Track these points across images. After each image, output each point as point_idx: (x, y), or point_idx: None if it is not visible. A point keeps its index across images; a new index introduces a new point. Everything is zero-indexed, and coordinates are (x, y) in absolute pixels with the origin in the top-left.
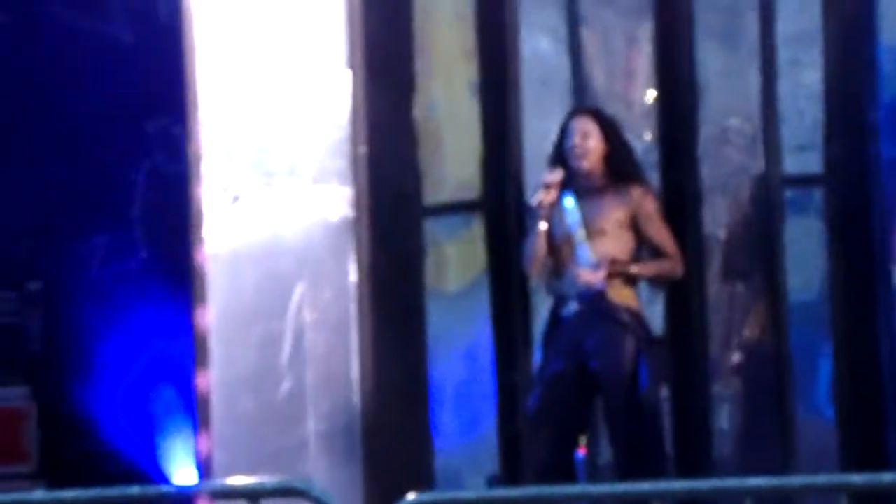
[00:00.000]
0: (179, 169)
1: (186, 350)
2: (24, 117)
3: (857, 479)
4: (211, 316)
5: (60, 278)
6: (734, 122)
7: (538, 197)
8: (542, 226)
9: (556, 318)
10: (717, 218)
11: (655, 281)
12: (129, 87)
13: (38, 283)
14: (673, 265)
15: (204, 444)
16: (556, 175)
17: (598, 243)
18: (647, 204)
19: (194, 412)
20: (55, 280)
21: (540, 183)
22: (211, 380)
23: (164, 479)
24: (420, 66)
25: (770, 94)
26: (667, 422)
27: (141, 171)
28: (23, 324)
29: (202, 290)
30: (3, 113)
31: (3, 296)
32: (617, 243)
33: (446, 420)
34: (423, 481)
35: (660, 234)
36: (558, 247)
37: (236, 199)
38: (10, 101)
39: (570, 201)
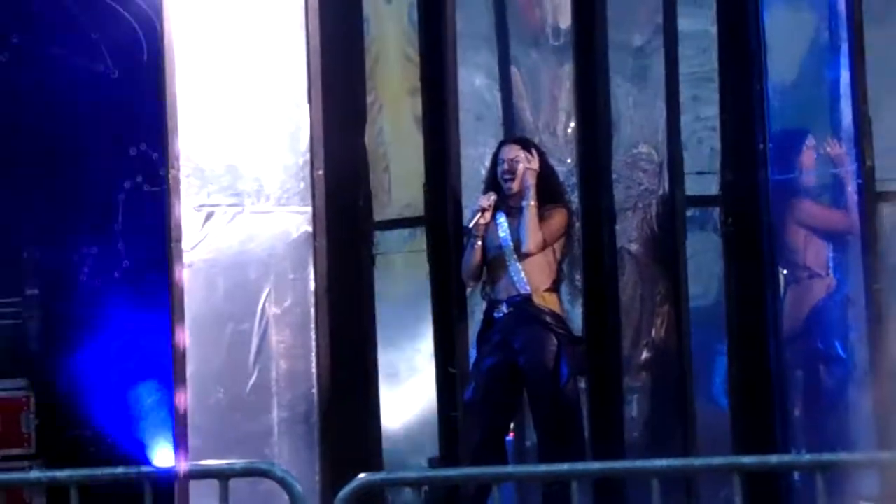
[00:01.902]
0: (158, 189)
1: (165, 348)
2: (24, 143)
3: (747, 460)
4: (187, 318)
5: (56, 284)
6: (643, 149)
7: (474, 219)
8: (478, 243)
9: (489, 320)
10: (629, 233)
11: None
12: (114, 116)
13: (36, 288)
14: (533, 236)
15: (180, 429)
16: (489, 199)
17: (525, 259)
18: (554, 215)
19: (172, 402)
20: (52, 286)
21: (475, 205)
22: (187, 373)
23: (145, 461)
24: (371, 100)
25: (674, 125)
26: (584, 410)
27: (124, 190)
28: (23, 324)
29: (179, 296)
30: (6, 141)
31: (7, 300)
32: (542, 256)
33: (393, 409)
34: (373, 463)
35: (547, 224)
36: (492, 259)
37: (209, 215)
38: (10, 128)
39: (502, 220)
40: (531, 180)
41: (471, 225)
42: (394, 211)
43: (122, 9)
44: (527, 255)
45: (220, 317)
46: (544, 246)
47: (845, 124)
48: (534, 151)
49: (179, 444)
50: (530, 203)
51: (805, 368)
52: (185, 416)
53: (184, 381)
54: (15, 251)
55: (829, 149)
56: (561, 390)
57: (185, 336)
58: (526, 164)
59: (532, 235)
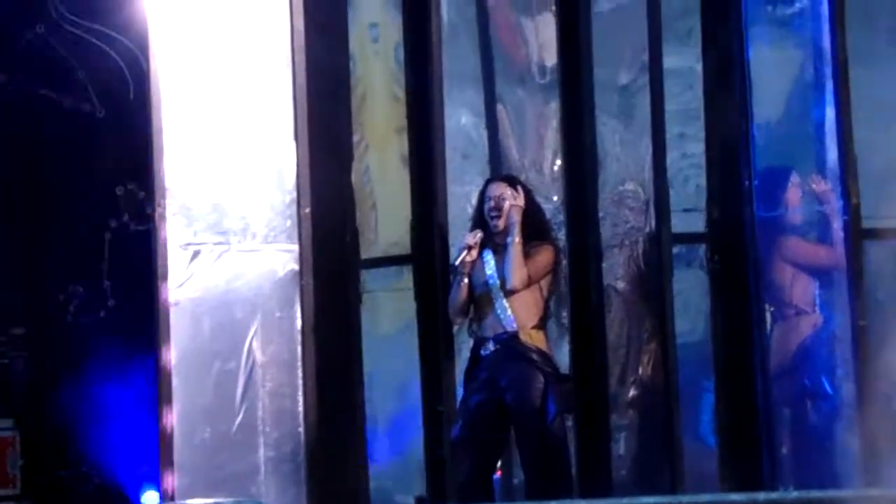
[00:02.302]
0: (145, 228)
1: (152, 387)
2: (9, 182)
3: (735, 497)
4: (173, 356)
5: (41, 324)
6: (630, 187)
7: (461, 257)
8: (465, 281)
9: (476, 358)
10: (616, 270)
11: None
12: (101, 156)
13: (21, 328)
14: (518, 273)
15: (167, 468)
16: (476, 237)
17: (512, 296)
18: (541, 253)
19: (158, 441)
20: (36, 325)
21: (462, 243)
22: (173, 413)
23: (132, 501)
24: (357, 138)
25: (660, 163)
26: (571, 448)
27: (110, 229)
28: (9, 364)
29: (166, 334)
30: None
31: None
32: (529, 294)
33: (380, 447)
34: (360, 501)
35: (532, 261)
36: (478, 297)
37: (196, 254)
38: None
39: (489, 257)
40: (516, 217)
41: (457, 262)
42: (380, 249)
43: (109, 48)
44: (513, 292)
45: (207, 355)
46: (529, 282)
47: (831, 162)
48: (520, 189)
49: (165, 483)
50: (515, 240)
51: (792, 405)
52: (171, 455)
53: (170, 419)
54: (0, 290)
55: (814, 186)
56: (548, 428)
57: (172, 374)
58: (511, 202)
59: (517, 272)
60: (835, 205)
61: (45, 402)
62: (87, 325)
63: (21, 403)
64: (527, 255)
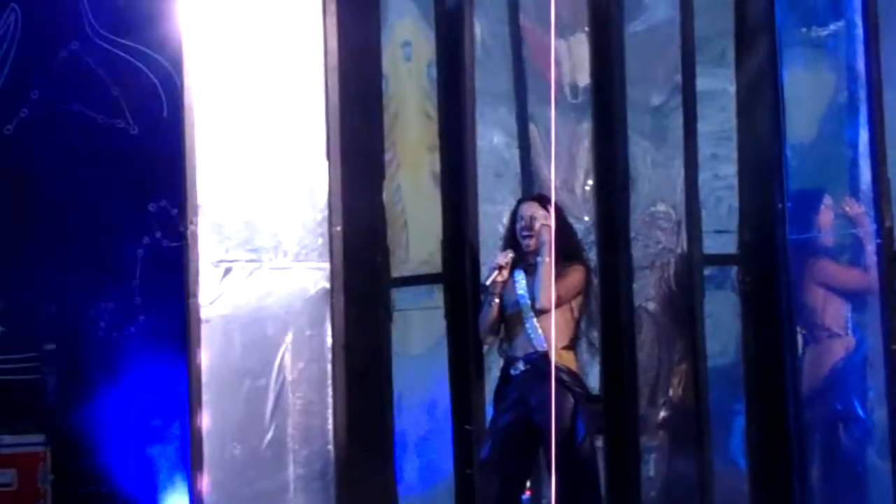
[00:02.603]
0: (177, 245)
1: (182, 403)
2: (43, 198)
3: None
4: (204, 373)
5: (72, 340)
6: (661, 207)
7: (492, 277)
8: (495, 301)
9: (505, 377)
10: (647, 291)
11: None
12: (134, 172)
13: (53, 344)
14: (547, 293)
15: (197, 485)
16: (507, 257)
17: (542, 316)
18: (571, 273)
19: (189, 457)
20: (68, 342)
21: (493, 263)
22: (204, 429)
23: None
24: (389, 157)
25: (692, 184)
26: (601, 469)
27: (142, 246)
28: (41, 380)
29: (197, 351)
30: (27, 196)
31: (25, 356)
32: (559, 314)
33: (409, 466)
34: None
35: (563, 281)
36: (509, 316)
37: (228, 271)
38: (30, 183)
39: (520, 277)
40: (547, 236)
41: (487, 282)
42: (411, 268)
43: (143, 65)
44: (542, 312)
45: (237, 372)
46: (559, 302)
47: (864, 184)
48: (551, 209)
49: (195, 500)
50: (545, 259)
51: (824, 428)
52: (201, 471)
53: (200, 436)
54: (33, 307)
55: (847, 208)
56: (577, 449)
57: (202, 391)
58: (542, 221)
59: (545, 291)
60: (868, 227)
61: (76, 418)
62: (118, 342)
63: (52, 419)
64: (558, 274)
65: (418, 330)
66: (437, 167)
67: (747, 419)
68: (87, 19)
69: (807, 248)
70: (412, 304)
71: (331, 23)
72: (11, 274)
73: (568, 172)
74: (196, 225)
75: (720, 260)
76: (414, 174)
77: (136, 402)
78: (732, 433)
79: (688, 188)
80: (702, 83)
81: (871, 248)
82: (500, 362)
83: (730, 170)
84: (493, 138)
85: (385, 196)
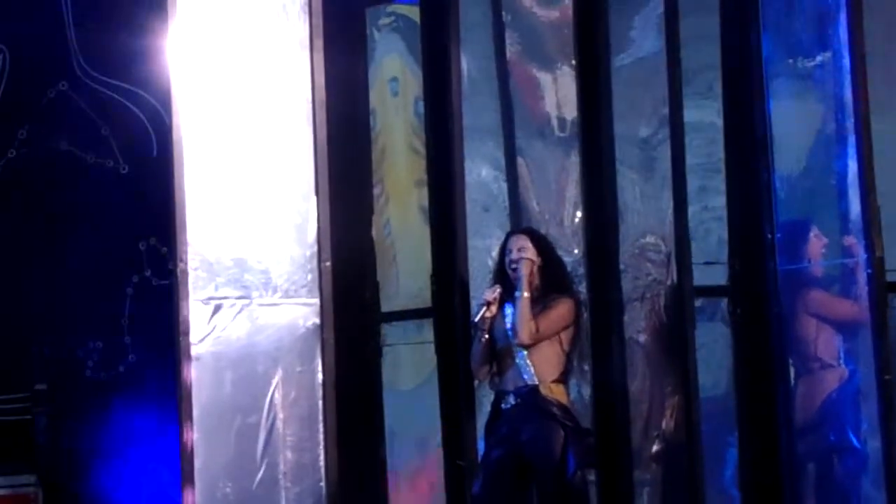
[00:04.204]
0: (166, 282)
1: (173, 441)
2: (32, 237)
3: None
4: (195, 411)
5: (62, 380)
6: (651, 239)
7: (480, 313)
8: (485, 336)
9: (496, 411)
10: (637, 324)
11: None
12: (124, 211)
13: (43, 384)
14: (525, 327)
15: None
16: (494, 292)
17: (532, 349)
18: (558, 306)
19: (180, 495)
20: (58, 381)
21: (481, 299)
22: (195, 468)
23: None
24: (378, 192)
25: (681, 215)
26: (594, 503)
27: (132, 284)
28: (31, 419)
29: (187, 389)
30: (15, 234)
31: (15, 396)
32: (549, 347)
33: (402, 502)
34: None
35: (546, 314)
36: (499, 350)
37: (217, 308)
38: (22, 224)
39: (509, 311)
40: (524, 270)
41: (476, 319)
42: (401, 302)
43: (132, 104)
44: (524, 346)
45: (228, 410)
46: (539, 336)
47: (853, 214)
48: (532, 242)
49: None
50: (523, 294)
51: (818, 460)
52: (191, 497)
53: (191, 475)
54: (23, 346)
55: (837, 239)
56: (569, 483)
57: (193, 429)
58: (523, 255)
59: (524, 326)
60: (859, 258)
61: (67, 458)
62: (108, 381)
63: (44, 459)
64: (544, 307)
65: (409, 365)
66: (426, 202)
67: (740, 451)
68: (75, 59)
69: (797, 279)
70: (402, 338)
71: (318, 59)
72: (1, 313)
73: (556, 205)
74: (186, 262)
75: (710, 291)
76: (402, 209)
77: (127, 441)
78: (726, 465)
79: (677, 220)
80: (689, 115)
81: (861, 278)
82: (492, 396)
83: (718, 201)
84: (480, 172)
85: (374, 231)
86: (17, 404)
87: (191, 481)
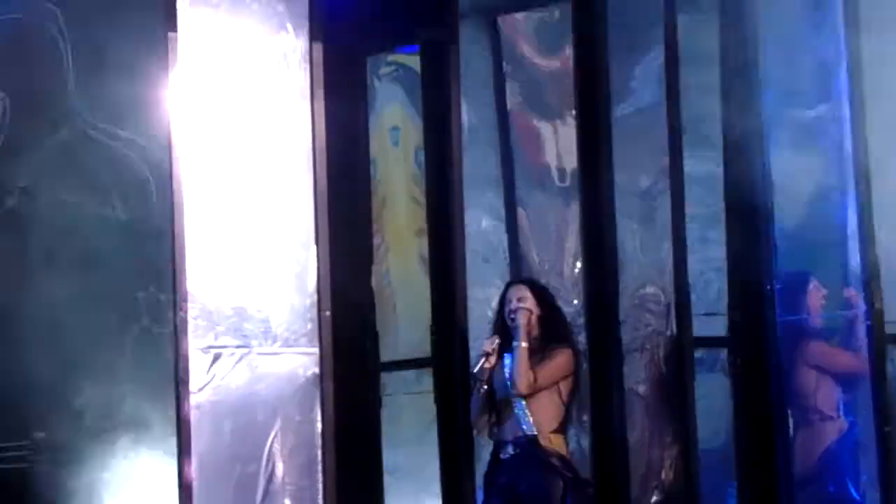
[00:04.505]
0: (165, 331)
1: (172, 491)
2: (30, 287)
3: None
4: (194, 460)
5: (62, 429)
6: (651, 290)
7: (479, 365)
8: (483, 388)
9: (495, 461)
10: (637, 374)
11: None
12: (123, 260)
13: (42, 432)
14: (523, 378)
15: None
16: (493, 343)
17: (531, 399)
18: (557, 356)
19: None
20: (57, 430)
21: (480, 351)
22: None
23: None
24: (377, 241)
25: (681, 266)
26: None
27: (130, 333)
28: (30, 468)
29: (187, 438)
30: (13, 283)
31: (14, 445)
32: (547, 397)
33: None
34: None
35: (544, 365)
36: (500, 401)
37: (217, 357)
38: (17, 272)
39: (508, 361)
40: (522, 321)
41: (475, 370)
42: (400, 352)
43: (132, 152)
44: (522, 397)
45: (227, 458)
46: (536, 387)
47: (853, 266)
48: (530, 292)
49: None
50: (521, 345)
51: None
52: None
53: (189, 502)
54: (22, 394)
55: (837, 290)
56: None
57: (193, 478)
58: (521, 305)
59: (522, 376)
60: (858, 310)
61: None
62: (106, 430)
63: None
64: (543, 357)
65: (408, 415)
66: (426, 251)
67: (739, 501)
68: (75, 107)
69: (796, 330)
70: (402, 388)
71: (318, 108)
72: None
73: (556, 255)
74: (185, 311)
75: (710, 342)
76: (403, 258)
77: (126, 490)
78: None
79: (677, 271)
80: (689, 166)
81: (861, 330)
82: (491, 446)
83: (719, 252)
84: (481, 222)
85: (374, 280)
86: (15, 452)
87: None
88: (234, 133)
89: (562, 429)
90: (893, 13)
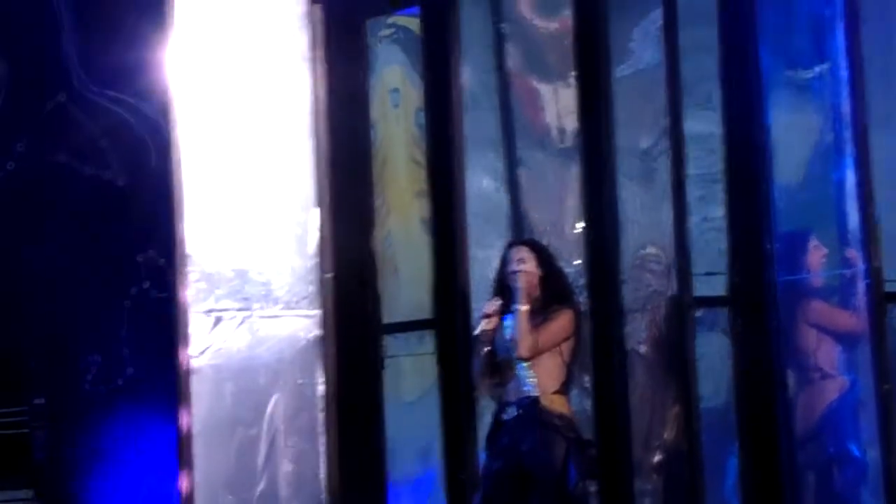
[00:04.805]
0: (166, 295)
1: (172, 456)
2: (29, 250)
3: None
4: (195, 424)
5: (61, 394)
6: (651, 250)
7: (480, 326)
8: (485, 349)
9: (498, 422)
10: (638, 335)
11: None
12: (122, 223)
13: (41, 398)
14: (524, 340)
15: None
16: (494, 305)
17: (533, 361)
18: (558, 317)
19: None
20: (57, 395)
21: (481, 312)
22: (195, 481)
23: None
24: (379, 203)
25: (681, 226)
26: None
27: (130, 297)
28: (29, 434)
29: (186, 402)
30: (12, 248)
31: (13, 411)
32: (550, 358)
33: None
34: None
35: (545, 326)
36: (501, 361)
37: (218, 320)
38: (18, 238)
39: (509, 322)
40: (521, 283)
41: (477, 332)
42: (402, 314)
43: (131, 115)
44: (530, 358)
45: (229, 422)
46: (543, 347)
47: (852, 225)
48: (530, 254)
49: None
50: (520, 308)
51: (818, 469)
52: None
53: (192, 488)
54: (21, 360)
55: (836, 249)
56: (570, 494)
57: (193, 442)
58: (522, 267)
59: (523, 339)
60: (857, 268)
61: (65, 473)
62: (106, 395)
63: (41, 474)
64: (545, 319)
65: (410, 376)
66: (427, 213)
67: (741, 461)
68: (74, 71)
69: (796, 290)
70: (404, 350)
71: (318, 70)
72: None
73: (557, 216)
74: (185, 274)
75: (711, 302)
76: (403, 220)
77: (127, 455)
78: (726, 475)
79: (677, 231)
80: (689, 126)
81: (860, 288)
82: (493, 407)
83: (718, 212)
84: (481, 183)
85: (375, 243)
86: (15, 418)
87: (191, 494)
88: (234, 96)
89: (564, 390)
90: None
